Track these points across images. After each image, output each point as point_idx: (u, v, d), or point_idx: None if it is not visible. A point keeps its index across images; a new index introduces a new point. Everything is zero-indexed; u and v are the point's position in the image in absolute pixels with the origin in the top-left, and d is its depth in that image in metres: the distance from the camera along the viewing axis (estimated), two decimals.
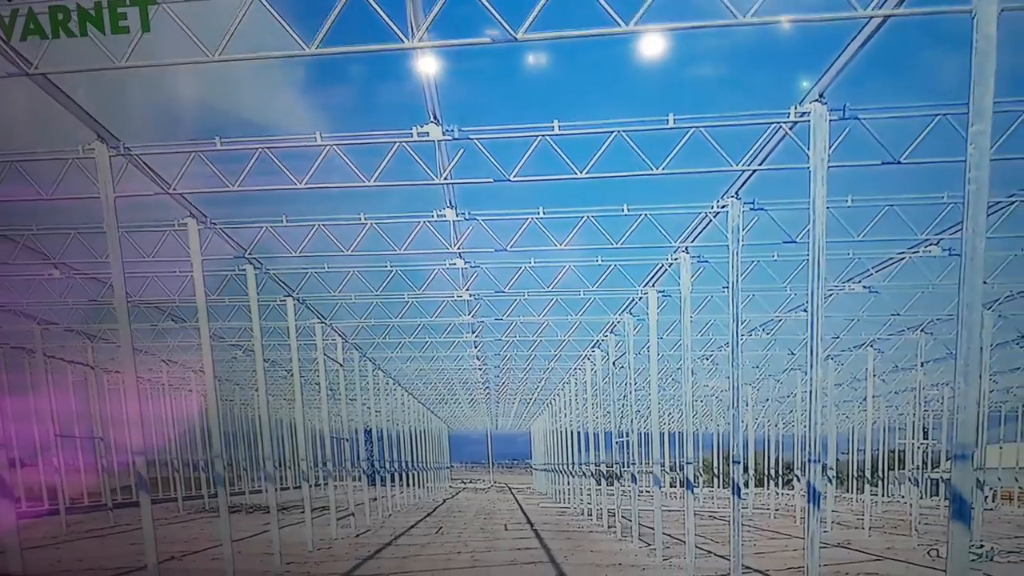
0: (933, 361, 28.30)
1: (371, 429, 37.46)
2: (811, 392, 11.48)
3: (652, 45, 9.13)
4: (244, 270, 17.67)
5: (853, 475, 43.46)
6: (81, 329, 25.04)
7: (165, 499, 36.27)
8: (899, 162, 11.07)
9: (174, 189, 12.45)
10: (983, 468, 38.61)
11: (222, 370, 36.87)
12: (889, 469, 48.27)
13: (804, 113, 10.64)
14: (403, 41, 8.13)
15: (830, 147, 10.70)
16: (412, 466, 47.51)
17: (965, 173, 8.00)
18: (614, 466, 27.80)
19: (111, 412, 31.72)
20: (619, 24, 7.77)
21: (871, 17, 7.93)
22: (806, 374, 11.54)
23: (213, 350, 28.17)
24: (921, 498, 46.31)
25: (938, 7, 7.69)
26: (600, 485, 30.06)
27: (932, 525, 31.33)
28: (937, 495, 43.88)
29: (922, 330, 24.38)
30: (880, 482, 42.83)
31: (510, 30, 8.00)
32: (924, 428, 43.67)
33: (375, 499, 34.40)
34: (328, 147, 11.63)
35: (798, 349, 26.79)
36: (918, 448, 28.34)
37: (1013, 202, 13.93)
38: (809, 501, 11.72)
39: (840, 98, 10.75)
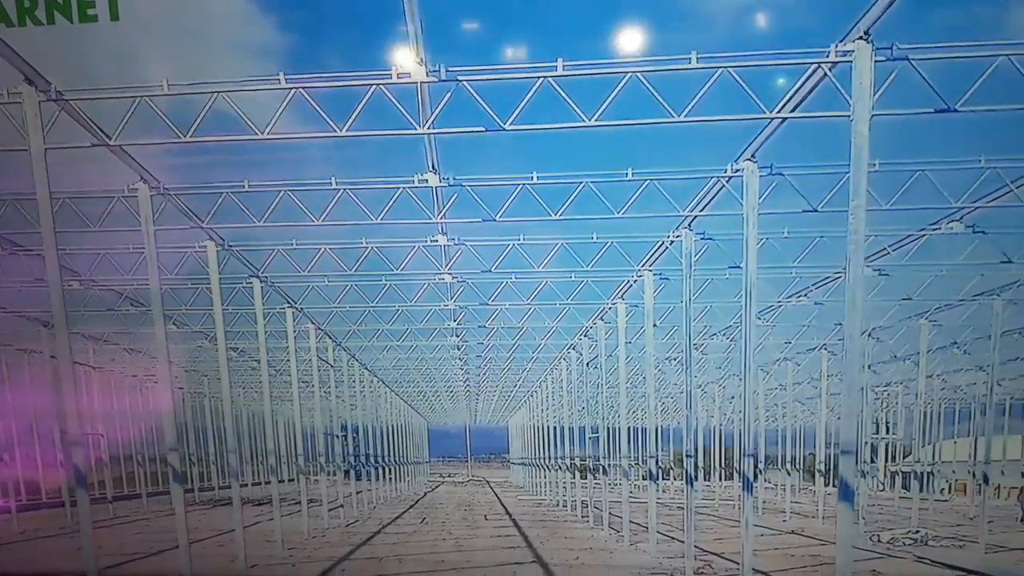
0: (881, 363, 31.50)
1: (358, 425, 39.97)
2: (744, 396, 14.30)
3: None
4: (251, 283, 20.17)
5: (816, 469, 46.70)
6: (87, 333, 27.25)
7: (161, 492, 38.47)
8: (816, 210, 13.87)
9: (207, 223, 14.89)
10: (938, 462, 42.22)
11: (208, 369, 39.26)
12: None
13: (739, 170, 13.37)
14: (415, 128, 10.71)
15: (761, 197, 13.47)
16: (394, 461, 50.09)
17: (848, 235, 10.73)
18: (587, 460, 30.59)
19: (117, 409, 33.95)
20: (583, 119, 10.41)
21: (771, 118, 10.64)
22: (763, 376, 14.36)
23: (205, 351, 30.51)
24: (882, 489, 50.05)
25: (825, 112, 10.41)
26: (574, 478, 32.88)
27: (884, 515, 34.59)
28: (902, 487, 46.59)
29: (868, 334, 27.40)
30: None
31: (499, 121, 10.60)
32: (886, 423, 47.26)
33: (360, 492, 37.04)
34: (342, 190, 14.15)
35: (757, 352, 29.74)
36: (864, 443, 31.46)
37: (924, 235, 16.89)
38: (743, 489, 14.54)
39: (769, 158, 13.53)
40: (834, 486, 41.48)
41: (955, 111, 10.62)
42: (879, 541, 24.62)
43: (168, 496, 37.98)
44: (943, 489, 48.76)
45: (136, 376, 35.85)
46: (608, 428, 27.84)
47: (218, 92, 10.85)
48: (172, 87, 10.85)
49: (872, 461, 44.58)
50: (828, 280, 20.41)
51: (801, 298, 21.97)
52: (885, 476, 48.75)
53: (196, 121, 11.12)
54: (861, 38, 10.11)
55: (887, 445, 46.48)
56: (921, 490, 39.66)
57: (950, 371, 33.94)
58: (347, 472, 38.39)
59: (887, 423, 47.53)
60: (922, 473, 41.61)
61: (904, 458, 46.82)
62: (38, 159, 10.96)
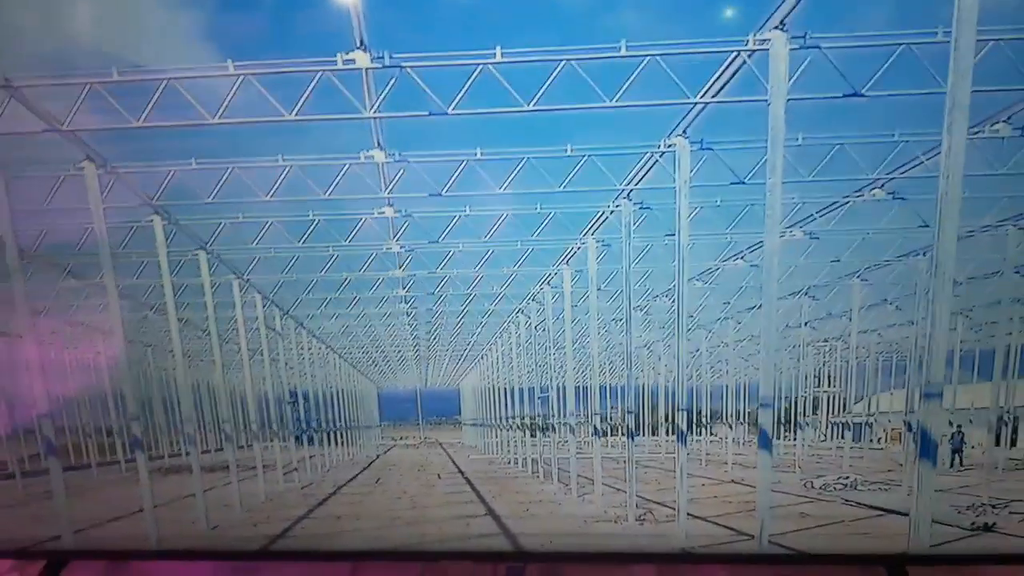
0: (819, 319, 33.63)
1: (307, 391, 40.76)
2: (677, 355, 15.66)
3: None
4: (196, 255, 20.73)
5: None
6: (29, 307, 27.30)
7: (110, 462, 38.79)
8: (743, 182, 15.13)
9: (156, 200, 15.46)
10: (875, 413, 44.95)
11: (152, 340, 39.42)
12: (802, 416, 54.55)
13: (671, 145, 14.50)
14: (361, 112, 11.51)
15: (693, 171, 14.68)
16: (345, 425, 51.06)
17: (766, 209, 11.98)
18: (537, 418, 32.09)
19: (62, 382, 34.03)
20: (522, 105, 11.35)
21: (695, 104, 11.74)
22: (706, 335, 15.70)
23: (149, 323, 30.78)
24: (823, 440, 53.05)
25: (744, 97, 11.54)
26: (525, 436, 34.42)
27: (821, 463, 36.95)
28: (840, 438, 49.29)
29: (805, 294, 29.24)
30: (782, 427, 48.72)
31: (442, 105, 11.47)
32: (828, 377, 49.97)
33: (313, 457, 37.99)
34: (289, 167, 14.85)
35: (699, 312, 31.50)
36: (803, 395, 33.68)
37: (847, 202, 18.38)
38: (678, 441, 16.01)
39: (701, 132, 14.68)
40: (777, 438, 44.14)
41: (862, 96, 11.84)
42: (811, 487, 26.69)
43: (118, 467, 38.49)
44: (879, 438, 51.81)
45: (80, 349, 35.87)
46: (558, 387, 29.27)
47: (168, 79, 11.44)
48: (122, 74, 11.39)
49: (814, 413, 47.25)
50: (761, 245, 21.88)
51: (737, 261, 23.46)
52: (826, 427, 51.68)
53: (147, 106, 11.69)
54: (777, 27, 11.21)
55: (827, 397, 49.29)
56: (858, 440, 42.27)
57: (884, 327, 36.21)
58: (298, 437, 39.23)
59: (828, 377, 50.35)
60: (859, 424, 44.26)
61: (843, 409, 49.46)
62: None
